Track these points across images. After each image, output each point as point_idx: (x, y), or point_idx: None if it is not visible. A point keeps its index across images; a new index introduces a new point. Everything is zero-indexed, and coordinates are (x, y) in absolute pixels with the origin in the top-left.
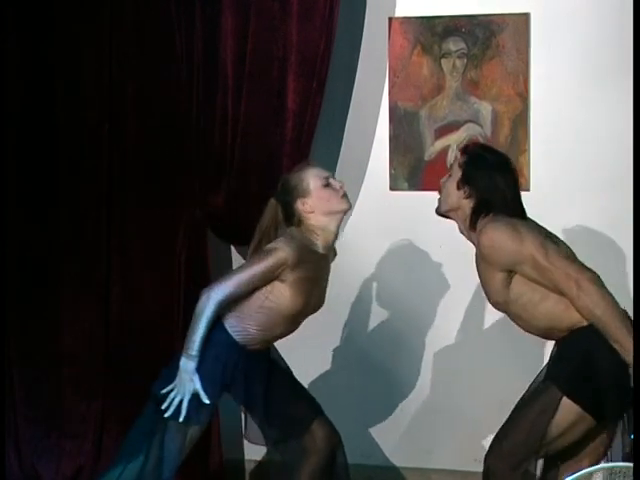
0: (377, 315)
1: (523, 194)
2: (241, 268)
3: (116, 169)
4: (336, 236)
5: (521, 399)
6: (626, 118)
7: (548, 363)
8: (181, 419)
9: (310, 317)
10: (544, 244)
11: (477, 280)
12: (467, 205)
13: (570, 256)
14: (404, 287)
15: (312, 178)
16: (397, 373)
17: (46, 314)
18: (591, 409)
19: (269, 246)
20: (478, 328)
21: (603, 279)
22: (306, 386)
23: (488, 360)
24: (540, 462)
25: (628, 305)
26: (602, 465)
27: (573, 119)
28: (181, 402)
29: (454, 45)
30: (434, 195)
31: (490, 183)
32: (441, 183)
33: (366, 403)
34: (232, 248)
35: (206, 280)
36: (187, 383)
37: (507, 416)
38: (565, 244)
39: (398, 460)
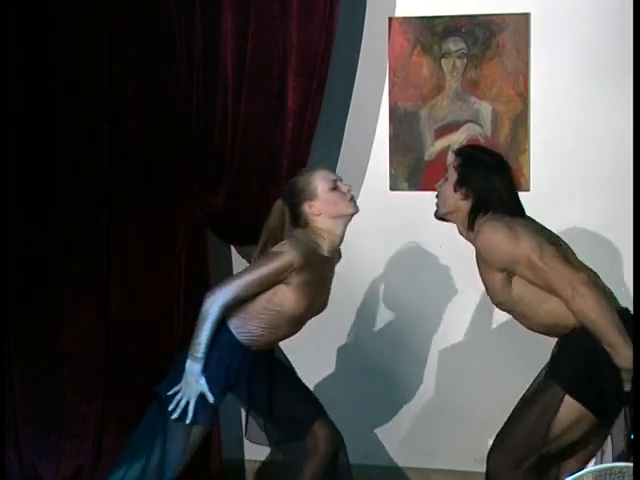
0: (377, 315)
1: (523, 194)
2: (246, 270)
3: (116, 169)
4: (342, 239)
5: (522, 398)
6: (626, 118)
7: (549, 361)
8: (188, 421)
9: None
10: (540, 245)
11: (479, 281)
12: (465, 206)
13: (569, 256)
14: (404, 287)
15: (320, 181)
16: (397, 374)
17: (46, 314)
18: (593, 407)
19: (275, 249)
20: (478, 329)
21: (603, 279)
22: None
23: (489, 361)
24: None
25: (628, 305)
26: (602, 465)
27: (573, 119)
28: (187, 404)
29: (454, 45)
30: (434, 195)
31: (486, 183)
32: (437, 187)
33: (367, 403)
34: (232, 248)
35: (206, 280)
36: (193, 385)
37: (508, 416)
38: (564, 243)
39: (398, 460)
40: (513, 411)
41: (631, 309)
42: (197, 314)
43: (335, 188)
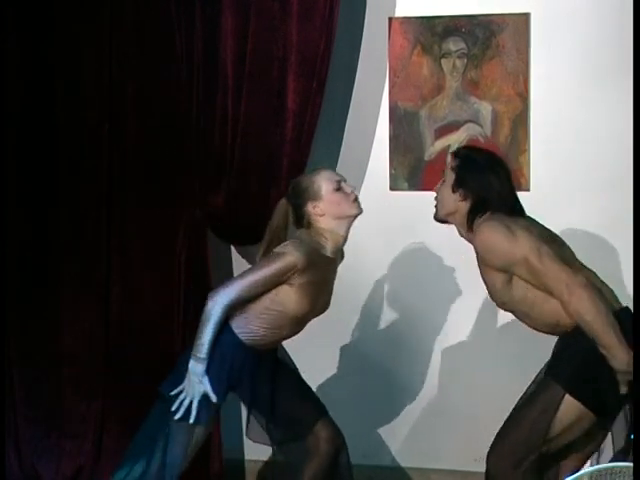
0: (378, 316)
1: (523, 194)
2: (249, 271)
3: (116, 169)
4: (345, 240)
5: (522, 397)
6: (626, 118)
7: (549, 359)
8: (191, 420)
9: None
10: (539, 246)
11: (480, 281)
12: (464, 207)
13: (567, 257)
14: (406, 288)
15: (324, 181)
16: (398, 374)
17: (46, 314)
18: (593, 406)
19: (278, 250)
20: (479, 329)
21: (603, 279)
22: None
23: (489, 361)
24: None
25: (627, 304)
26: (602, 465)
27: (573, 119)
28: (191, 404)
29: (454, 45)
30: (434, 195)
31: (484, 183)
32: (435, 190)
33: (368, 403)
34: (232, 248)
35: (206, 280)
36: (196, 385)
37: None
38: (564, 243)
39: (399, 460)
40: (513, 410)
41: (631, 309)
42: (197, 314)
43: (339, 189)
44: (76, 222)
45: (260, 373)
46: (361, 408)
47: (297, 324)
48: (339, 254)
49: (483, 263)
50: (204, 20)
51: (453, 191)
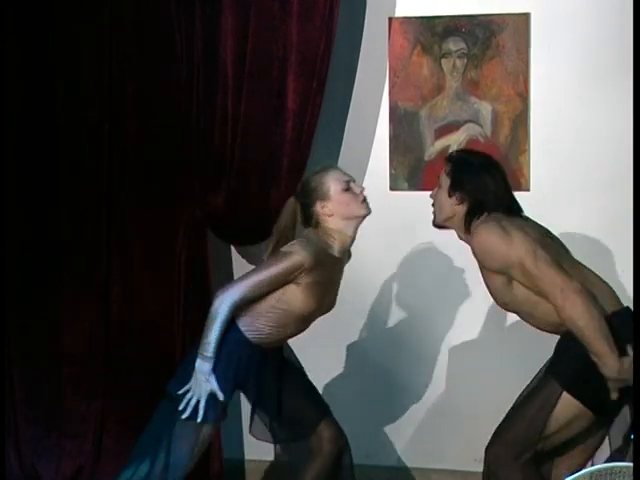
0: (379, 317)
1: (523, 194)
2: (256, 270)
3: (116, 169)
4: (353, 240)
5: (522, 393)
6: (626, 118)
7: (551, 357)
8: (199, 419)
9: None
10: (535, 249)
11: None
12: (461, 211)
13: (564, 261)
14: (411, 288)
15: (333, 181)
16: (399, 375)
17: (46, 314)
18: (592, 405)
19: (285, 249)
20: (481, 331)
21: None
22: None
23: (490, 362)
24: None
25: (627, 304)
26: (602, 465)
27: (573, 119)
28: (198, 403)
29: (454, 45)
30: (431, 201)
31: (479, 184)
32: (432, 196)
33: (369, 404)
34: (232, 248)
35: (206, 280)
36: (203, 384)
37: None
38: (561, 245)
39: (400, 460)
40: (513, 406)
41: (631, 309)
42: (197, 314)
43: (348, 189)
44: (76, 222)
45: (266, 371)
46: (363, 408)
47: (303, 322)
48: (346, 254)
49: (482, 266)
50: (204, 20)
51: (449, 195)
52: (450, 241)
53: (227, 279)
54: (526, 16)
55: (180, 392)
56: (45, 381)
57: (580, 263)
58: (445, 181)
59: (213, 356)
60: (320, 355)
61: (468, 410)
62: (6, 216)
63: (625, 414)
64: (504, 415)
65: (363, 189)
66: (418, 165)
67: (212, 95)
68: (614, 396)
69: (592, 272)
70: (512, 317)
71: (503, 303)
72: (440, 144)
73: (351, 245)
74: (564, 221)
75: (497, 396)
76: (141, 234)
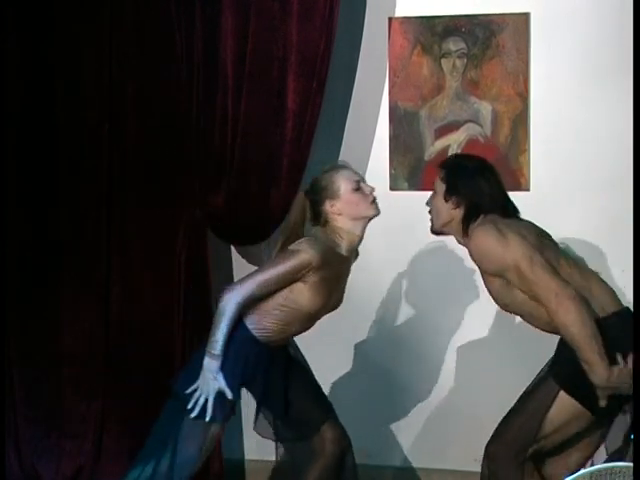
0: (379, 318)
1: (523, 194)
2: (264, 268)
3: (116, 169)
4: (361, 239)
5: (524, 391)
6: (626, 118)
7: (551, 357)
8: (207, 418)
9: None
10: (531, 254)
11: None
12: (458, 215)
13: (560, 265)
14: (408, 287)
15: (343, 181)
16: (401, 375)
17: (46, 314)
18: (590, 405)
19: (293, 247)
20: (482, 332)
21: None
22: None
23: (491, 363)
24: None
25: (627, 305)
26: (602, 465)
27: (573, 119)
28: (206, 401)
29: (454, 45)
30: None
31: (474, 187)
32: (428, 203)
33: (370, 404)
34: (232, 248)
35: (206, 280)
36: (211, 382)
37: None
38: (558, 249)
39: (401, 461)
40: (515, 404)
41: (631, 309)
42: (197, 314)
43: (358, 189)
44: (76, 222)
45: (272, 370)
46: (365, 408)
47: (309, 320)
48: (353, 253)
49: (480, 269)
50: (204, 20)
51: (446, 200)
52: (453, 241)
53: (227, 279)
54: (526, 16)
55: (188, 391)
56: (45, 381)
57: (579, 263)
58: (440, 187)
59: (221, 354)
60: (324, 354)
61: (470, 410)
62: (6, 216)
63: (625, 414)
64: (504, 414)
65: (373, 189)
66: (418, 165)
67: (212, 95)
68: (602, 403)
69: (591, 271)
70: (515, 318)
71: (504, 304)
72: (440, 144)
73: (359, 244)
74: (564, 221)
75: (499, 396)
76: (141, 234)
